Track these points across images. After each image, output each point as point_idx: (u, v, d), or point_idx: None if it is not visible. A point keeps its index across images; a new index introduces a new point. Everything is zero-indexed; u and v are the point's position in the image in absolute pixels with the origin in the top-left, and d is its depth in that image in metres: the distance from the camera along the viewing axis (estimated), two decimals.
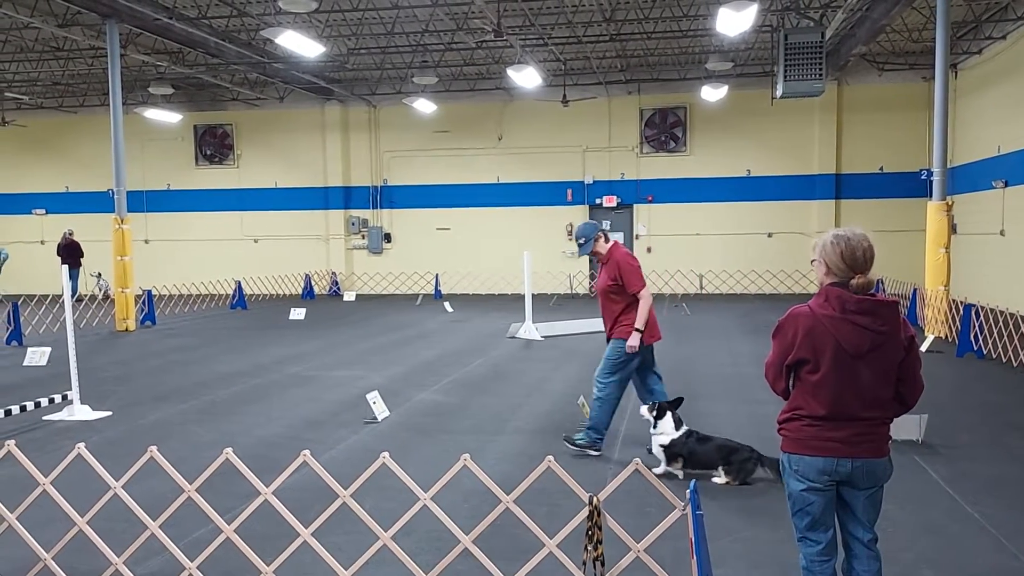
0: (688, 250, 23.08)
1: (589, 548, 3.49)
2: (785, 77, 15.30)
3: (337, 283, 24.47)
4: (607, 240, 6.95)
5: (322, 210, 25.02)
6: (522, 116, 23.72)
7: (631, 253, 6.97)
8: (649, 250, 23.40)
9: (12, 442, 4.17)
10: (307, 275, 23.82)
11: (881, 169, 22.12)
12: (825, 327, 3.19)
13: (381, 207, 24.87)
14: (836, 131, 22.20)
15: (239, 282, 21.12)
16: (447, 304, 19.66)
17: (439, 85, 22.26)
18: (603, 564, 3.51)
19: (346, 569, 3.85)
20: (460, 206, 24.32)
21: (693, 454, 6.06)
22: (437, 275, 23.56)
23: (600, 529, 3.48)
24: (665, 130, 23.17)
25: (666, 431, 6.12)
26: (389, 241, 24.93)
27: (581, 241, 6.91)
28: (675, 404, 6.30)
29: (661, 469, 6.11)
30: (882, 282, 17.80)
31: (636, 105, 23.17)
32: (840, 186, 22.35)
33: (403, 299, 22.58)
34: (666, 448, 6.11)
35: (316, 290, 24.19)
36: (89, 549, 4.19)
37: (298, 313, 17.72)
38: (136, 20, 15.78)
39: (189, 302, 21.68)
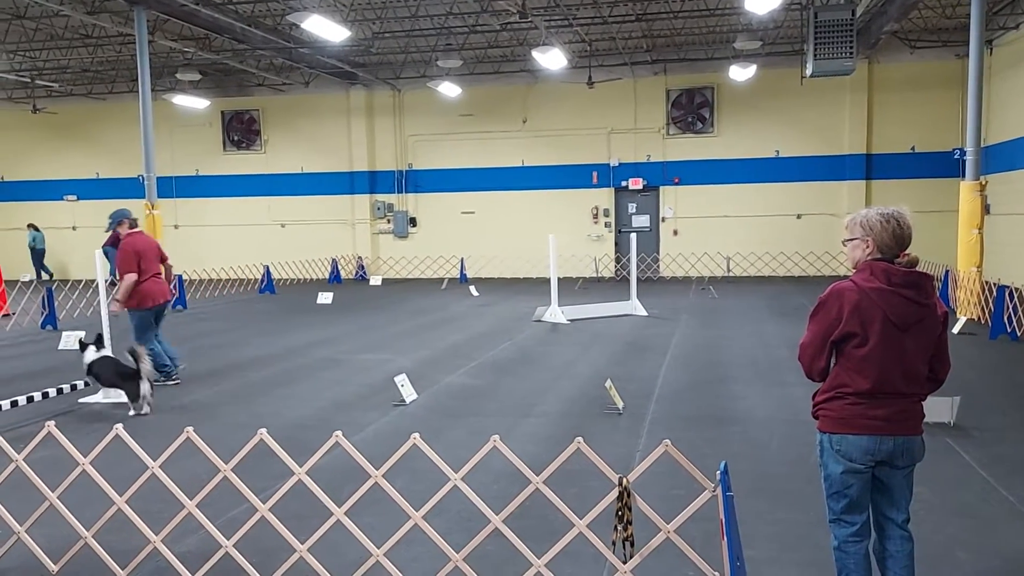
0: (715, 232, 22.90)
1: (619, 529, 3.51)
2: (815, 56, 15.08)
3: (363, 267, 24.61)
4: (131, 227, 8.85)
5: (348, 195, 25.13)
6: (547, 98, 23.61)
7: (135, 244, 8.70)
8: (675, 232, 23.27)
9: (52, 423, 4.26)
10: (334, 259, 23.98)
11: (913, 149, 21.78)
12: (873, 300, 3.18)
13: (406, 191, 24.94)
14: (867, 110, 21.86)
15: (267, 267, 21.31)
16: (473, 288, 19.72)
17: (463, 68, 22.20)
18: (632, 545, 3.52)
19: (378, 548, 3.90)
20: (485, 190, 24.31)
21: (99, 375, 7.98)
22: (462, 259, 23.60)
23: (630, 510, 3.49)
24: (692, 111, 22.95)
25: (88, 357, 8.02)
26: (414, 225, 25.00)
27: (110, 222, 8.93)
28: (96, 340, 8.17)
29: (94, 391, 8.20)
30: None
31: (663, 86, 22.96)
32: (871, 166, 22.04)
33: (429, 283, 22.67)
34: (87, 369, 8.02)
35: (343, 274, 24.35)
36: (127, 528, 4.28)
37: (325, 297, 17.86)
38: (163, 6, 15.88)
39: (218, 287, 21.93)
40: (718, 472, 3.34)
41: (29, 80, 22.88)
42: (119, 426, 4.20)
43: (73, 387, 8.33)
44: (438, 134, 24.46)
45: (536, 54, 18.48)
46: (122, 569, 4.19)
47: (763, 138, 22.54)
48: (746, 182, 22.74)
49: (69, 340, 11.73)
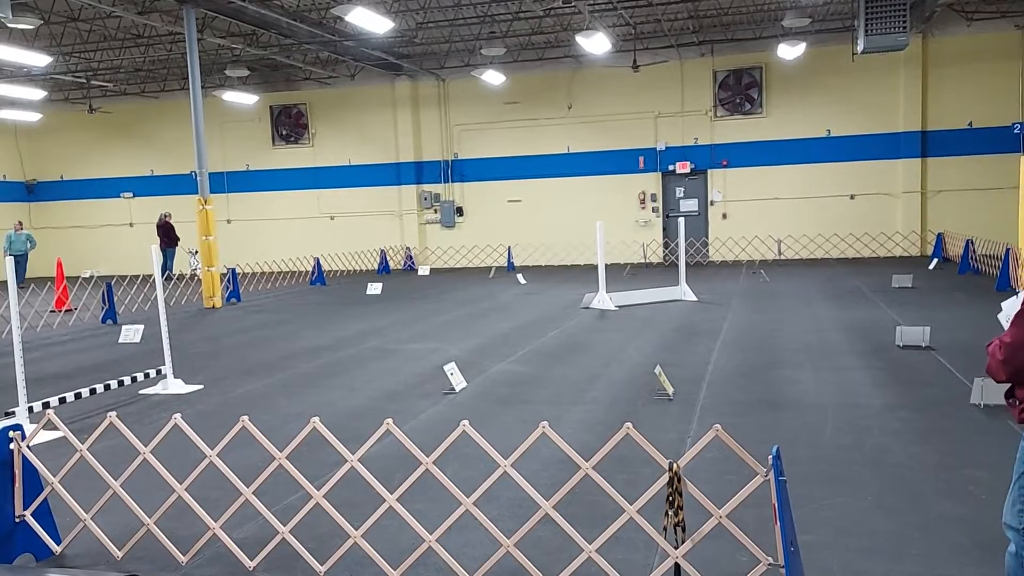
0: (766, 215, 22.55)
1: (670, 514, 3.49)
2: (867, 31, 14.71)
3: (411, 258, 24.81)
4: None
5: (395, 186, 25.33)
6: (592, 84, 23.45)
7: None
8: (725, 216, 22.96)
9: (114, 414, 4.39)
10: (382, 250, 24.22)
11: (970, 124, 21.12)
12: None
13: (452, 181, 25.03)
14: (921, 86, 21.25)
15: (317, 259, 21.62)
16: (520, 276, 19.74)
17: (507, 56, 22.17)
18: (684, 530, 3.50)
19: (430, 534, 3.95)
20: (531, 177, 24.28)
21: None
22: (509, 247, 23.62)
23: (680, 495, 3.47)
24: (740, 92, 22.58)
25: None
26: (461, 215, 25.10)
27: None
28: None
29: None
30: (972, 242, 17.08)
31: (709, 67, 22.62)
32: (926, 143, 21.45)
33: (476, 272, 22.76)
34: None
35: (391, 265, 24.58)
36: (187, 515, 4.40)
37: (375, 288, 18.06)
38: (211, 4, 16.16)
39: (271, 279, 22.32)
40: (770, 456, 3.30)
41: (85, 81, 23.49)
42: (178, 416, 4.31)
43: (134, 379, 8.57)
44: (483, 123, 24.48)
45: (580, 39, 18.35)
46: (183, 555, 4.32)
47: (814, 117, 22.08)
48: (797, 163, 22.32)
49: (128, 334, 12.09)
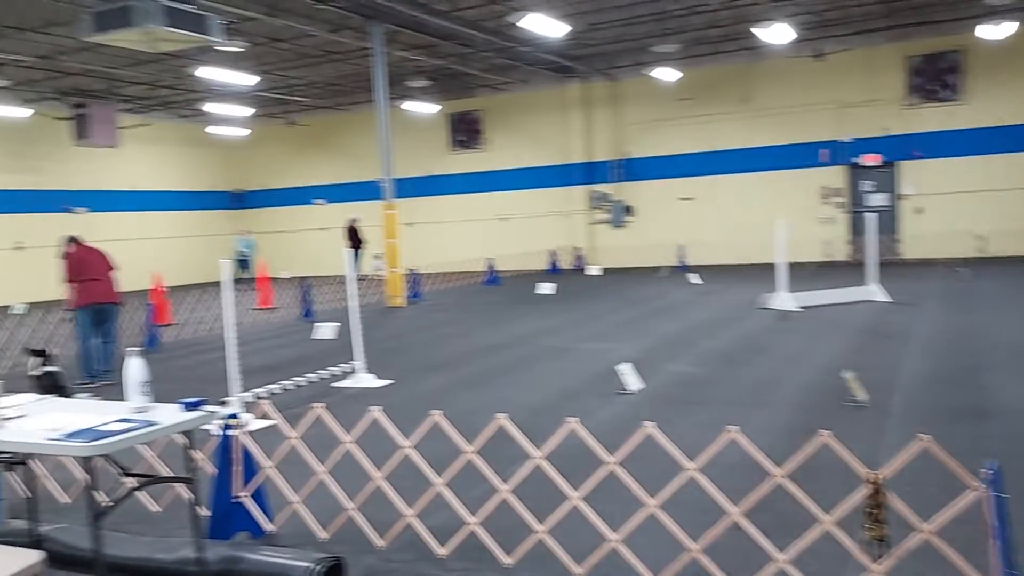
0: (966, 209, 20.82)
1: (870, 527, 3.33)
2: None
3: (581, 258, 24.92)
4: (70, 244, 10.05)
5: (565, 187, 25.55)
6: (769, 75, 22.60)
7: (78, 256, 9.85)
8: (919, 211, 21.42)
9: (322, 406, 4.74)
10: (553, 251, 24.49)
11: None
12: None
13: (623, 180, 24.92)
14: None
15: (491, 259, 22.20)
16: (693, 275, 19.34)
17: (680, 52, 21.77)
18: (888, 545, 3.33)
19: (615, 533, 3.98)
20: (704, 174, 23.74)
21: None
22: (681, 246, 23.20)
23: (883, 508, 3.31)
24: (935, 78, 20.98)
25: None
26: (631, 214, 24.93)
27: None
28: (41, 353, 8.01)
29: None
30: None
31: (900, 53, 21.19)
32: None
33: (646, 272, 22.53)
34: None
35: (561, 265, 24.81)
36: (383, 502, 4.67)
37: (547, 287, 18.29)
38: (396, 18, 16.99)
39: (448, 279, 23.16)
40: (986, 471, 3.07)
41: (285, 96, 25.38)
42: (377, 409, 4.59)
43: (331, 373, 9.19)
44: (656, 120, 24.21)
45: (757, 30, 17.73)
46: (381, 539, 4.59)
47: (1021, 103, 20.14)
48: (1002, 152, 20.46)
49: (321, 331, 12.95)
